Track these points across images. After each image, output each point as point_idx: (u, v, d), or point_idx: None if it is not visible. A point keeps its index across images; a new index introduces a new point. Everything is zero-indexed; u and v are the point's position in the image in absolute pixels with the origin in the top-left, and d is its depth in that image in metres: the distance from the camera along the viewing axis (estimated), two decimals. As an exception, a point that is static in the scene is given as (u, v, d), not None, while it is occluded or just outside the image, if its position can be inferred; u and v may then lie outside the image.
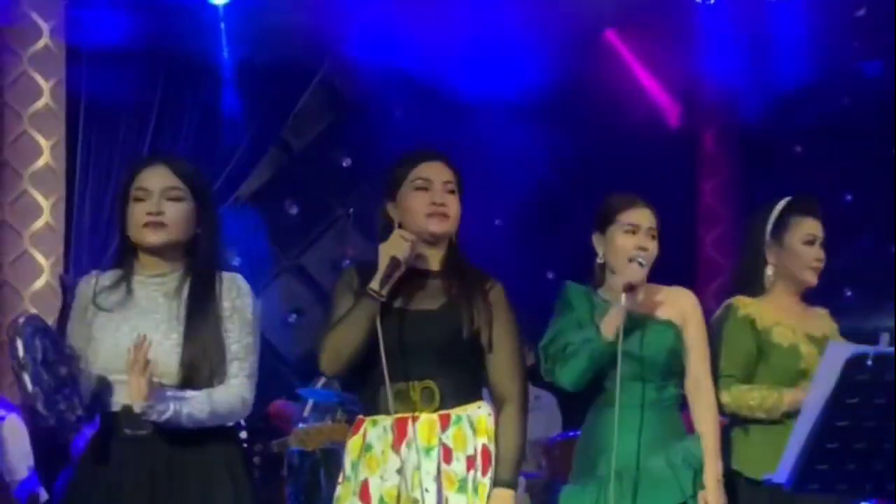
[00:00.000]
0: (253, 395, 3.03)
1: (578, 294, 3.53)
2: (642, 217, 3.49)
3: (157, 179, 3.00)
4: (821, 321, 3.78)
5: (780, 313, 3.68)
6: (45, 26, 6.81)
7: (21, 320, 2.83)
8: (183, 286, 3.01)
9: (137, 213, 2.99)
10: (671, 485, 3.41)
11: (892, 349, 2.48)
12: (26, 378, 2.79)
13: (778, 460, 3.45)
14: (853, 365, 2.47)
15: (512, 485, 3.14)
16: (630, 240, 3.46)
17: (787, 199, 3.79)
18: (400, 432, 3.09)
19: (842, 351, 2.51)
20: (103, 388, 2.92)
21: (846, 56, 8.26)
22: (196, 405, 2.91)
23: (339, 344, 3.11)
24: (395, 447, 3.09)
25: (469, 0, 7.41)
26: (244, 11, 7.32)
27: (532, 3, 7.32)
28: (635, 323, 3.43)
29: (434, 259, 3.23)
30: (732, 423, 3.69)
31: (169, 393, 2.87)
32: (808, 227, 3.71)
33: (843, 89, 8.52)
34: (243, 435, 5.88)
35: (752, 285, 3.73)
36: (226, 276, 3.06)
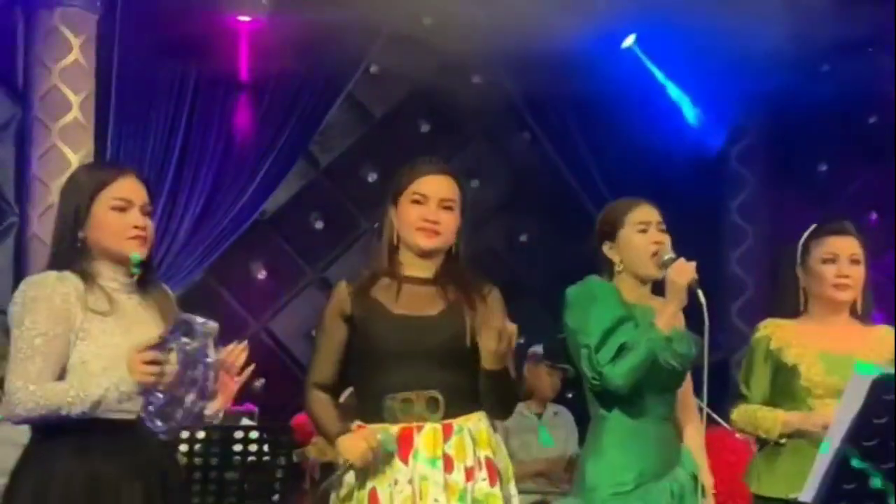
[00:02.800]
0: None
1: (605, 288, 3.49)
2: (650, 214, 3.52)
3: (136, 193, 3.04)
4: (862, 339, 3.77)
5: (801, 333, 3.74)
6: (75, 42, 6.87)
7: (201, 320, 2.83)
8: (145, 295, 3.05)
9: (119, 224, 2.99)
10: (694, 495, 3.41)
11: (919, 369, 2.48)
12: (210, 381, 2.82)
13: (787, 480, 3.52)
14: (880, 385, 2.47)
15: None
16: (644, 237, 3.49)
17: (814, 225, 3.87)
18: (405, 442, 3.12)
19: (869, 370, 2.51)
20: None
21: (874, 74, 8.23)
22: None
23: (312, 418, 3.26)
24: (403, 456, 3.11)
25: (495, 9, 7.42)
26: (272, 27, 7.36)
27: (558, 12, 7.32)
28: (681, 332, 3.44)
29: (430, 268, 3.27)
30: (761, 447, 3.75)
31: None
32: (829, 246, 3.76)
33: (869, 107, 8.50)
34: (265, 448, 5.88)
35: (789, 308, 3.81)
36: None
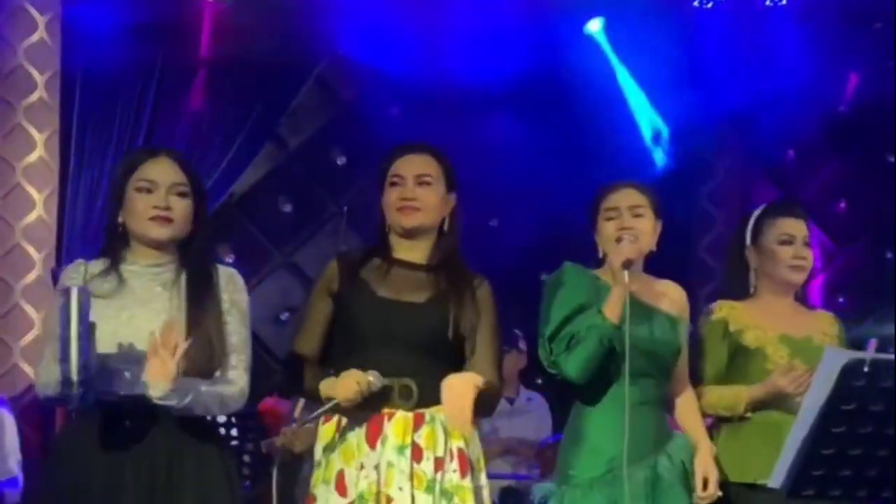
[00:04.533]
0: (249, 387, 3.08)
1: (573, 274, 3.47)
2: (621, 199, 3.47)
3: (164, 174, 3.04)
4: (811, 323, 3.79)
5: (757, 316, 3.73)
6: (40, 20, 6.79)
7: (76, 288, 2.80)
8: (179, 278, 3.04)
9: (142, 206, 3.01)
10: (681, 485, 3.39)
11: (890, 356, 2.47)
12: (74, 347, 2.75)
13: (742, 461, 3.53)
14: (850, 371, 2.47)
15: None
16: (612, 224, 3.46)
17: (764, 205, 3.86)
18: (375, 428, 3.11)
19: (839, 357, 2.51)
20: (102, 374, 2.87)
21: (844, 63, 8.26)
22: (207, 394, 2.95)
23: (295, 385, 3.34)
24: (371, 442, 3.09)
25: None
26: (240, 7, 7.30)
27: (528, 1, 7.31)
28: (643, 315, 3.40)
29: (419, 252, 3.26)
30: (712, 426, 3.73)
31: (183, 380, 2.88)
32: (784, 227, 3.76)
33: (839, 96, 8.53)
34: (234, 432, 5.85)
35: (738, 290, 3.78)
36: (222, 270, 3.12)
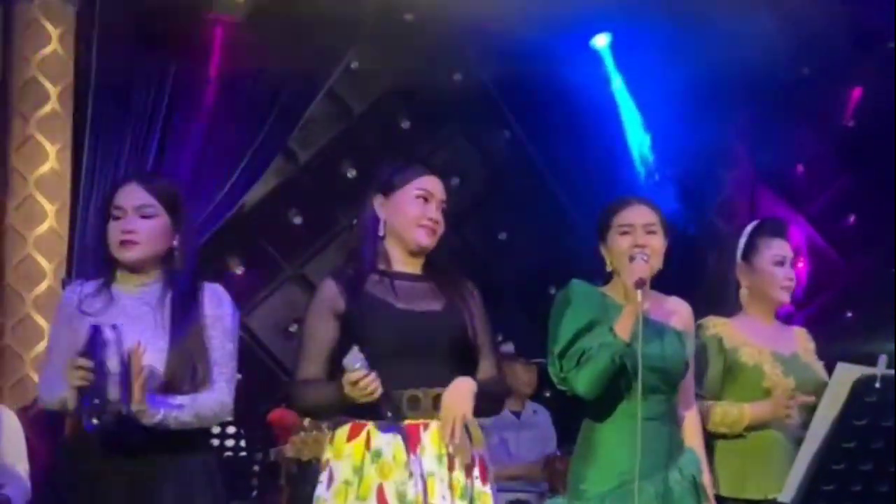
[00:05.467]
0: (233, 398, 3.20)
1: (581, 292, 3.47)
2: (636, 215, 3.46)
3: (130, 198, 3.17)
4: (793, 340, 3.83)
5: (748, 333, 3.77)
6: (54, 32, 6.82)
7: (106, 326, 3.01)
8: (165, 296, 3.16)
9: (114, 231, 3.16)
10: (692, 498, 3.40)
11: (901, 371, 2.48)
12: (110, 383, 2.93)
13: (741, 476, 3.54)
14: (861, 386, 2.47)
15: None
16: (626, 240, 3.44)
17: (755, 222, 3.88)
18: (413, 439, 3.09)
19: (850, 372, 2.51)
20: None
21: (853, 78, 8.27)
22: (183, 409, 3.07)
23: (310, 407, 3.26)
24: (411, 454, 3.08)
25: (476, 9, 7.41)
26: (253, 20, 7.32)
27: (539, 9, 7.32)
28: (654, 332, 3.41)
29: (417, 265, 3.27)
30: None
31: (158, 397, 3.02)
32: (778, 248, 3.80)
33: (848, 111, 8.54)
34: (243, 443, 5.86)
35: (723, 306, 3.80)
36: (208, 286, 3.22)
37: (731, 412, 3.66)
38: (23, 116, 6.74)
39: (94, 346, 2.95)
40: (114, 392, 2.94)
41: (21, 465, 5.37)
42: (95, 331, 2.95)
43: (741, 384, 3.71)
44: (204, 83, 7.42)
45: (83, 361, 2.93)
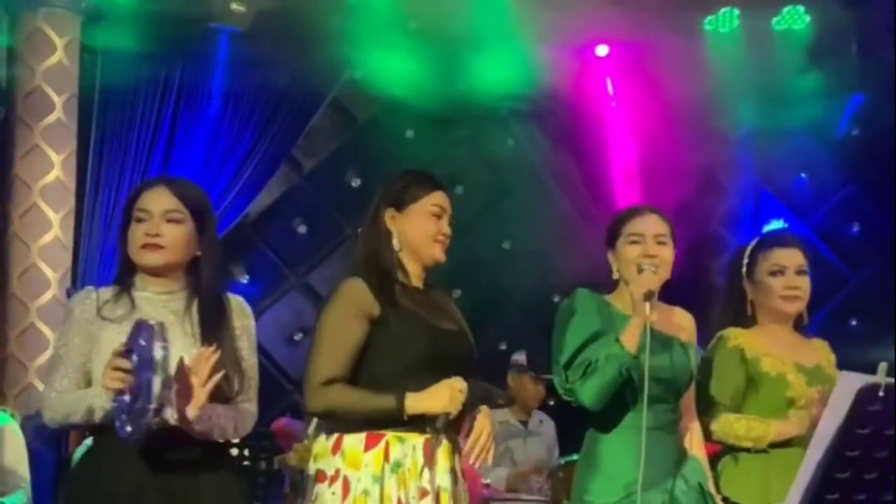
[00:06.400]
0: (258, 410, 3.16)
1: (586, 301, 3.46)
2: (647, 225, 3.45)
3: (157, 201, 3.06)
4: (815, 352, 3.80)
5: (769, 344, 3.74)
6: (59, 42, 6.84)
7: (152, 322, 2.83)
8: (191, 305, 3.06)
9: (137, 234, 3.05)
10: None
11: (903, 379, 2.48)
12: (157, 383, 2.78)
13: (765, 488, 3.52)
14: (865, 395, 2.46)
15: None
16: (635, 249, 3.43)
17: (759, 235, 3.89)
18: (428, 452, 3.11)
19: (854, 380, 2.50)
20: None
21: (855, 88, 8.28)
22: (225, 418, 3.00)
23: (340, 409, 3.13)
24: (428, 466, 3.10)
25: (483, 17, 7.43)
26: (257, 31, 7.34)
27: (542, 18, 7.33)
28: (660, 343, 3.40)
29: (422, 278, 3.29)
30: (723, 451, 3.73)
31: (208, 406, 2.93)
32: (774, 258, 3.76)
33: (850, 120, 8.55)
34: (246, 452, 5.86)
35: (739, 319, 3.79)
36: (232, 297, 3.15)
37: (756, 427, 3.63)
38: (28, 125, 6.76)
39: (138, 346, 2.77)
40: (158, 396, 2.76)
41: (22, 473, 5.37)
42: (142, 329, 2.78)
43: (764, 394, 3.68)
44: (208, 93, 7.44)
45: (122, 362, 2.78)
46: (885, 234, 8.39)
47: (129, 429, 2.78)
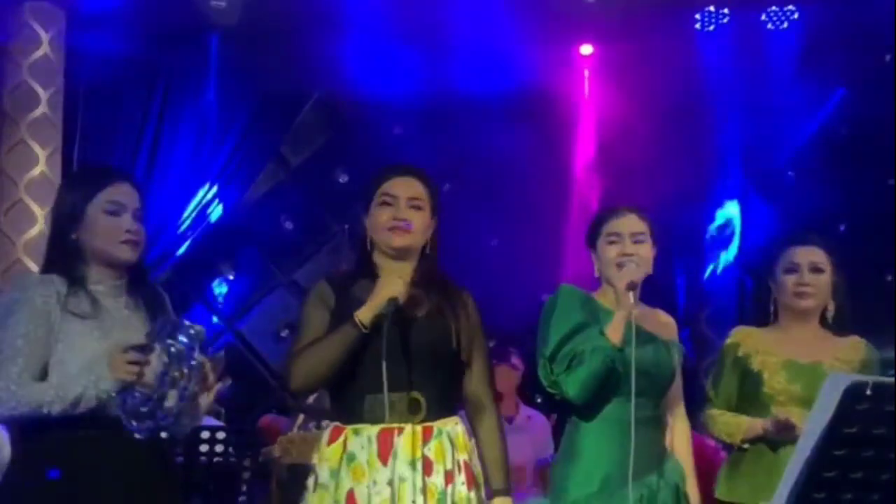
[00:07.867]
0: None
1: (570, 295, 3.47)
2: (624, 224, 3.47)
3: (130, 197, 3.08)
4: (831, 350, 3.79)
5: (768, 341, 3.78)
6: (44, 36, 6.81)
7: (190, 325, 2.86)
8: (135, 298, 3.08)
9: (113, 228, 3.03)
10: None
11: (892, 378, 2.47)
12: (192, 388, 2.84)
13: (770, 487, 3.52)
14: (852, 394, 2.46)
15: (509, 491, 3.21)
16: (614, 249, 3.45)
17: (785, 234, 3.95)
18: (385, 443, 3.11)
19: (841, 380, 2.50)
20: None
21: (843, 86, 8.30)
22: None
23: (314, 365, 3.13)
24: (382, 458, 3.10)
25: (469, 17, 7.42)
26: (244, 30, 7.32)
27: (528, 22, 7.34)
28: (643, 336, 3.41)
29: (406, 271, 3.27)
30: (729, 453, 3.77)
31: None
32: (790, 256, 3.82)
33: (840, 118, 8.57)
34: (231, 449, 5.85)
35: (758, 316, 3.86)
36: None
37: (730, 422, 3.72)
38: (13, 120, 6.74)
39: (175, 344, 2.79)
40: (175, 394, 2.80)
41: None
42: (180, 328, 2.83)
43: (745, 391, 3.76)
44: (195, 89, 7.42)
45: (136, 356, 2.81)
46: (872, 234, 8.41)
47: (134, 423, 2.83)
